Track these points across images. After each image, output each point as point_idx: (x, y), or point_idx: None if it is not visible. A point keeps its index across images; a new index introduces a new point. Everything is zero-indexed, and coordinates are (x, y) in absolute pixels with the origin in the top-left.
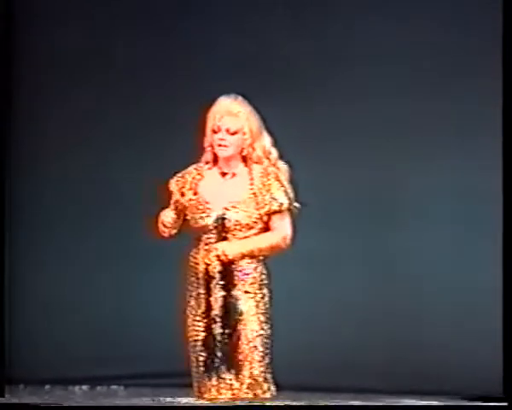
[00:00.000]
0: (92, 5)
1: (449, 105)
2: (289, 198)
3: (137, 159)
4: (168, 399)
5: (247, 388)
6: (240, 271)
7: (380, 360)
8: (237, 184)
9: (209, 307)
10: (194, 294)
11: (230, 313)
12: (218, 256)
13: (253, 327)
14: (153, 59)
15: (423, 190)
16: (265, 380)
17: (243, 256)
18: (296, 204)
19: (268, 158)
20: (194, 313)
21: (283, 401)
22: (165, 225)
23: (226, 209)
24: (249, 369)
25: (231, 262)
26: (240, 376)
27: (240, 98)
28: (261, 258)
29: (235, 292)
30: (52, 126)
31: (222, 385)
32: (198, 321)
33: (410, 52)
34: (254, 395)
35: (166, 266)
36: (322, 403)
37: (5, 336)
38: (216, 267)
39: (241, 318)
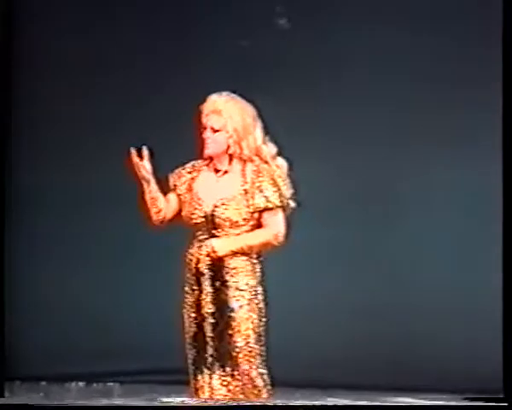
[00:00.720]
0: (92, 7)
1: (449, 105)
2: (281, 196)
3: None
4: (164, 399)
5: (242, 385)
6: (232, 268)
7: (379, 359)
8: (229, 181)
9: (200, 304)
10: (188, 290)
11: (221, 310)
12: (207, 253)
13: (245, 324)
14: (153, 60)
15: (423, 188)
16: (260, 377)
17: (233, 253)
18: (290, 202)
19: (258, 155)
20: (188, 309)
21: (281, 399)
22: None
23: (216, 206)
24: (243, 366)
25: (221, 259)
26: (233, 373)
27: (229, 96)
28: (254, 255)
29: (226, 289)
30: (52, 127)
31: (216, 382)
32: (191, 317)
33: (410, 53)
34: (250, 392)
35: (164, 262)
36: (320, 402)
37: (4, 335)
38: (205, 263)
39: (232, 315)
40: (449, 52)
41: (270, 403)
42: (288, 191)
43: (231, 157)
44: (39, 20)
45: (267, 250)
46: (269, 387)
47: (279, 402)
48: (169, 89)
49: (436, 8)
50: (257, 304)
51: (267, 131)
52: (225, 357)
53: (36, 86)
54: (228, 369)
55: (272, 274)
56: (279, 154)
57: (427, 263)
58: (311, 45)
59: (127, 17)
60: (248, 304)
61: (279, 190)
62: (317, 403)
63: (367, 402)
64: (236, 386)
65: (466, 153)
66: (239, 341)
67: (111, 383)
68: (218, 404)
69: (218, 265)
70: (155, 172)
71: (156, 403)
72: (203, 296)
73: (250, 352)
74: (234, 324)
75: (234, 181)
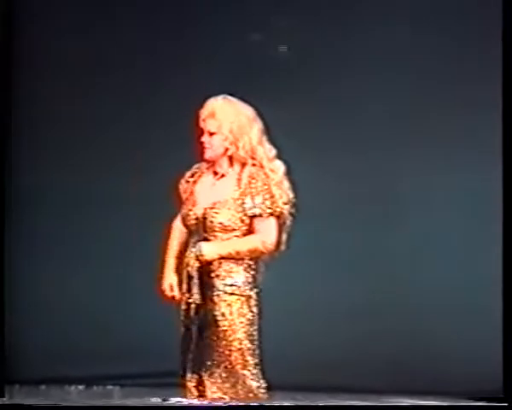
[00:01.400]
0: (92, 7)
1: (449, 105)
2: (274, 203)
3: (138, 159)
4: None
5: (235, 387)
6: (223, 272)
7: (379, 360)
8: (224, 185)
9: (189, 306)
10: (181, 292)
11: (208, 314)
12: (196, 256)
13: (236, 328)
14: (153, 60)
15: (423, 189)
16: (253, 379)
17: (222, 257)
18: (286, 207)
19: (253, 158)
20: (181, 311)
21: (278, 401)
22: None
23: (207, 210)
24: (235, 370)
25: (210, 263)
26: (226, 375)
27: (225, 98)
28: (247, 259)
29: (215, 293)
30: (52, 127)
31: (208, 384)
32: (182, 320)
33: (410, 54)
34: (243, 394)
35: None
36: (319, 403)
37: (4, 336)
38: (194, 267)
39: (222, 319)
40: (449, 53)
41: (266, 404)
42: (284, 198)
43: (230, 160)
44: (39, 20)
45: (257, 257)
46: (263, 389)
47: (276, 403)
48: (169, 89)
49: (436, 9)
50: (249, 309)
51: (266, 133)
52: (215, 360)
53: (36, 86)
54: (219, 371)
55: (271, 276)
56: (278, 157)
57: (427, 264)
58: (311, 47)
59: (127, 17)
60: (240, 308)
61: (272, 197)
62: (315, 404)
63: (366, 403)
64: (229, 388)
65: (466, 153)
66: (229, 345)
67: (110, 386)
68: (216, 404)
69: (207, 268)
70: (155, 174)
71: (156, 403)
72: (191, 300)
73: (242, 355)
74: (224, 328)
75: (228, 185)
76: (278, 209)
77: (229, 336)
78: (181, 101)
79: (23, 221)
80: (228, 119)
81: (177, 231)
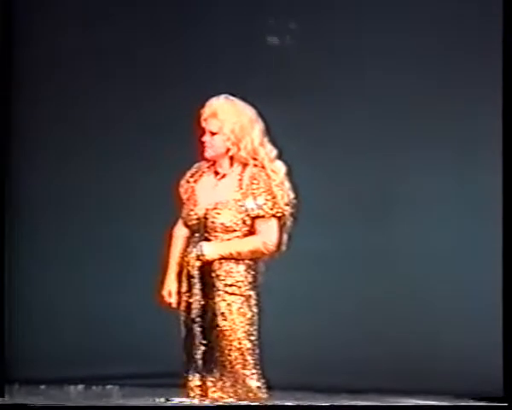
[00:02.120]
0: (92, 8)
1: (449, 105)
2: (276, 204)
3: (139, 159)
4: (163, 400)
5: (234, 387)
6: (224, 272)
7: (378, 361)
8: (226, 185)
9: (189, 306)
10: (182, 292)
11: (208, 314)
12: (197, 256)
13: (236, 328)
14: (153, 61)
15: (423, 190)
16: (253, 379)
17: (222, 258)
18: (287, 208)
19: (255, 158)
20: (180, 311)
21: (278, 401)
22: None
23: (209, 210)
24: (235, 370)
25: (211, 263)
26: (224, 376)
27: (226, 98)
28: (248, 260)
29: (215, 293)
30: (52, 127)
31: (208, 384)
32: (183, 320)
33: (410, 56)
34: (243, 394)
35: None
36: (319, 403)
37: (4, 336)
38: (195, 267)
39: (222, 319)
40: (449, 53)
41: (266, 404)
42: (285, 198)
43: (231, 160)
44: (39, 20)
45: (258, 258)
46: (263, 389)
47: (276, 403)
48: (169, 90)
49: (435, 11)
50: (249, 308)
51: (267, 134)
52: (216, 360)
53: (36, 86)
54: (219, 371)
55: (271, 276)
56: (279, 157)
57: (428, 264)
58: (312, 48)
59: (127, 17)
60: (240, 308)
61: (274, 198)
62: (315, 404)
63: (366, 403)
64: (229, 388)
65: (466, 153)
66: (229, 345)
67: (110, 386)
68: (216, 404)
69: (208, 269)
70: (154, 174)
71: (156, 403)
72: (192, 299)
73: (242, 354)
74: (224, 328)
75: (230, 186)
76: (280, 210)
77: (229, 335)
78: (181, 102)
79: (23, 221)
80: (230, 119)
81: (179, 238)
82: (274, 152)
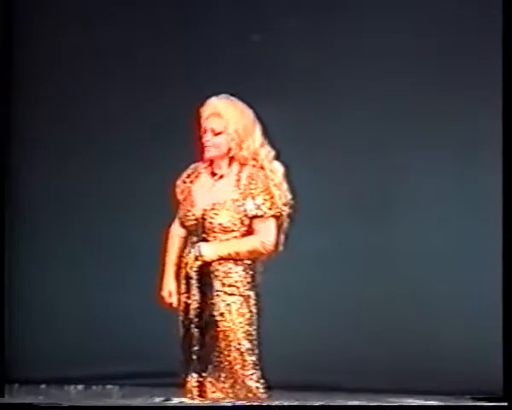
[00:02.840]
0: (92, 8)
1: (449, 105)
2: (274, 204)
3: (139, 159)
4: (162, 400)
5: (233, 387)
6: (222, 273)
7: (379, 360)
8: (223, 185)
9: (188, 307)
10: (180, 293)
11: (207, 315)
12: (195, 256)
13: (235, 328)
14: (153, 61)
15: (423, 190)
16: (252, 380)
17: (221, 258)
18: (285, 209)
19: (255, 159)
20: (180, 311)
21: (278, 401)
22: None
23: (206, 211)
24: (234, 370)
25: (210, 263)
26: (224, 377)
27: (228, 98)
28: (247, 260)
29: (214, 293)
30: (52, 127)
31: (207, 384)
32: (181, 321)
33: (410, 56)
34: (242, 394)
35: None
36: (319, 403)
37: (4, 336)
38: (194, 267)
39: (221, 319)
40: (449, 53)
41: (266, 404)
42: (283, 198)
43: (231, 160)
44: (39, 20)
45: (256, 258)
46: (263, 389)
47: (276, 403)
48: (169, 90)
49: (435, 11)
50: (248, 308)
51: (265, 135)
52: (215, 360)
53: (36, 86)
54: (218, 371)
55: (270, 276)
56: (277, 158)
57: (428, 264)
58: (311, 48)
59: (128, 17)
60: (239, 308)
61: (272, 198)
62: (315, 404)
63: (366, 403)
64: (229, 388)
65: (466, 153)
66: (227, 345)
67: (110, 386)
68: (216, 405)
69: (206, 269)
70: (154, 174)
71: (156, 403)
72: (190, 300)
73: (241, 354)
74: (223, 328)
75: (228, 186)
76: (278, 210)
77: (229, 336)
78: (181, 102)
79: (23, 221)
80: (233, 119)
81: (176, 238)
82: (272, 153)
